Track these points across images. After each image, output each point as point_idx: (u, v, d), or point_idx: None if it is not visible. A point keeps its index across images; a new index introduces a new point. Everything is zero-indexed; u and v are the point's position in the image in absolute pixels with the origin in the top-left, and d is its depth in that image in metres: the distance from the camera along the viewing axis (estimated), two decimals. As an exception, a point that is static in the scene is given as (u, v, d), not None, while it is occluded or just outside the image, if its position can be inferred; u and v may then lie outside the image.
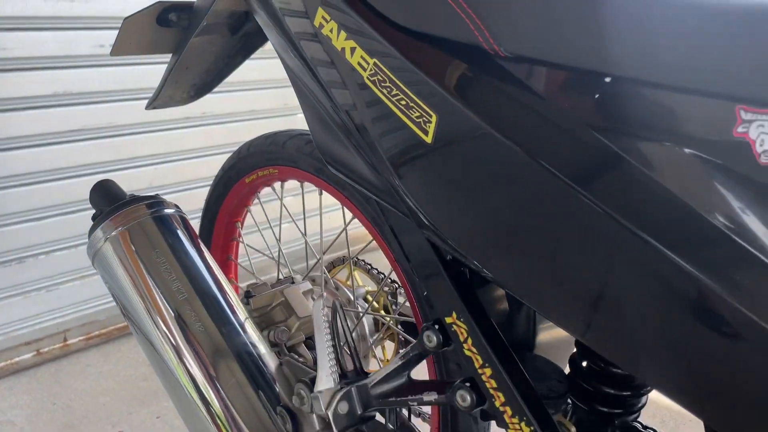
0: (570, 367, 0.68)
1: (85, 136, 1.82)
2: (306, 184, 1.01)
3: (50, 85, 1.72)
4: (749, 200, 0.40)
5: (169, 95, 1.11)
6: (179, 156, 2.04)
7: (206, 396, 0.75)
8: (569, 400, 0.68)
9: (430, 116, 0.53)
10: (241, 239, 1.21)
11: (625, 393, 0.65)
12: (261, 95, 2.18)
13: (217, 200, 1.16)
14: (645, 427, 0.65)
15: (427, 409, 0.93)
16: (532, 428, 0.56)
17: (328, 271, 1.12)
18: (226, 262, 1.23)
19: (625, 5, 0.44)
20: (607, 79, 0.44)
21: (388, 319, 0.99)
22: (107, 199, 0.83)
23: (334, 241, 0.98)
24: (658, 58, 0.42)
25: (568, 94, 0.46)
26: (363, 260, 1.11)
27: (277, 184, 1.08)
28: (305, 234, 1.04)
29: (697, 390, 0.46)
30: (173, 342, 0.76)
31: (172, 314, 0.76)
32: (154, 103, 1.10)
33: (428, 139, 0.54)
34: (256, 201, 1.17)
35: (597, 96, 0.45)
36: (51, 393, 1.73)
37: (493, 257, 0.56)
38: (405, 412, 0.85)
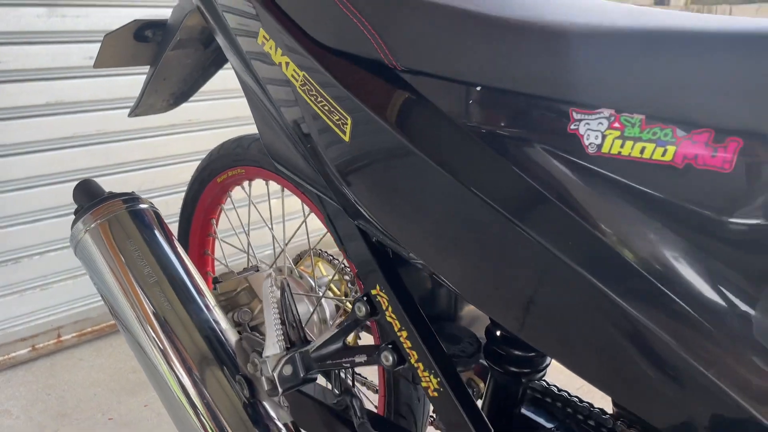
0: (486, 335, 0.79)
1: (76, 143, 1.91)
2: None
3: (43, 95, 1.81)
4: (582, 183, 0.51)
5: (150, 104, 1.21)
6: (167, 161, 2.13)
7: (174, 367, 0.85)
8: (485, 363, 0.78)
9: (346, 119, 0.63)
10: (216, 235, 1.31)
11: (530, 354, 0.75)
12: (245, 102, 2.25)
13: (194, 198, 1.26)
14: (548, 384, 0.76)
15: (375, 379, 1.04)
16: (438, 380, 0.66)
17: (295, 264, 1.23)
18: (203, 257, 1.33)
19: (491, 30, 0.55)
20: (478, 88, 0.55)
21: (344, 301, 1.09)
22: (88, 196, 0.93)
23: (296, 231, 1.08)
24: (515, 70, 0.53)
25: (450, 101, 0.57)
26: (326, 252, 1.21)
27: (246, 183, 1.19)
28: (272, 228, 1.15)
29: (581, 359, 0.53)
30: (144, 321, 0.86)
31: (144, 296, 0.86)
32: (135, 111, 1.20)
33: (346, 138, 0.64)
34: (229, 202, 1.27)
35: (470, 101, 0.55)
36: (46, 385, 1.82)
37: (411, 242, 0.66)
38: (349, 380, 0.96)
